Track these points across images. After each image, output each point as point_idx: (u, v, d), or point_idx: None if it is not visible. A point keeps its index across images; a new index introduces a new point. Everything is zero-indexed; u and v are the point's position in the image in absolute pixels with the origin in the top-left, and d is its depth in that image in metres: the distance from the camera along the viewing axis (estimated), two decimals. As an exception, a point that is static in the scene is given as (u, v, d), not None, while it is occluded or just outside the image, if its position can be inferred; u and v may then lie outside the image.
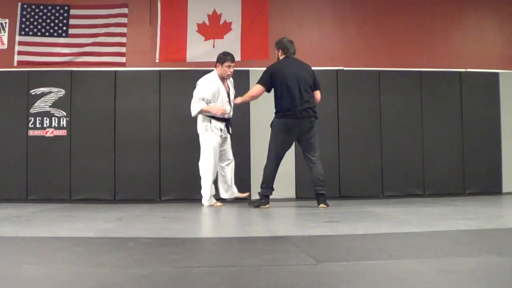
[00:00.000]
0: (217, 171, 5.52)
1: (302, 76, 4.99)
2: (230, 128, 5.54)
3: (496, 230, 3.14)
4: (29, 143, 6.18)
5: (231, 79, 5.56)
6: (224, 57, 5.40)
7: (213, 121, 5.36)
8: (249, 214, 4.47)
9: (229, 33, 6.54)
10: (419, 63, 6.73)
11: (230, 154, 5.62)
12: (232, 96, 5.51)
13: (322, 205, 4.94)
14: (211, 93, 5.31)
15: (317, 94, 5.14)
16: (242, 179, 5.96)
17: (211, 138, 5.35)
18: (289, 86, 4.93)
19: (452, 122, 6.61)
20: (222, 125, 5.43)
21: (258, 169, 6.13)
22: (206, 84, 5.37)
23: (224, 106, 5.36)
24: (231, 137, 5.62)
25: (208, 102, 5.32)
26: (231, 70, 5.42)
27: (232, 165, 5.65)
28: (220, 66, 5.41)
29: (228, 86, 5.53)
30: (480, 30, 7.07)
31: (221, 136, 5.42)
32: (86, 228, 3.40)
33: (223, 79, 5.44)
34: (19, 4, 6.49)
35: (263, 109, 5.86)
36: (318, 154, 5.03)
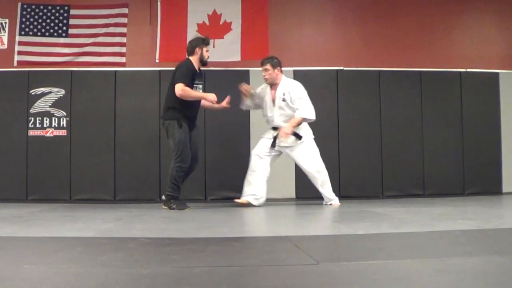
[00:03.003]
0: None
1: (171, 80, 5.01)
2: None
3: (496, 230, 3.14)
4: (29, 143, 6.17)
5: (284, 87, 5.20)
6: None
7: None
8: (249, 214, 4.47)
9: (229, 33, 6.54)
10: (419, 63, 6.72)
11: None
12: (278, 104, 5.19)
13: (163, 206, 4.89)
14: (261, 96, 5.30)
15: (174, 89, 4.84)
16: (242, 179, 5.94)
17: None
18: None
19: (452, 122, 6.61)
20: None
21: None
22: None
23: (267, 112, 5.27)
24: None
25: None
26: (263, 74, 5.21)
27: None
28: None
29: (275, 94, 5.22)
30: (480, 30, 7.06)
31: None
32: (86, 228, 3.40)
33: (270, 84, 5.28)
34: (19, 4, 6.49)
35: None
36: (174, 154, 4.89)
